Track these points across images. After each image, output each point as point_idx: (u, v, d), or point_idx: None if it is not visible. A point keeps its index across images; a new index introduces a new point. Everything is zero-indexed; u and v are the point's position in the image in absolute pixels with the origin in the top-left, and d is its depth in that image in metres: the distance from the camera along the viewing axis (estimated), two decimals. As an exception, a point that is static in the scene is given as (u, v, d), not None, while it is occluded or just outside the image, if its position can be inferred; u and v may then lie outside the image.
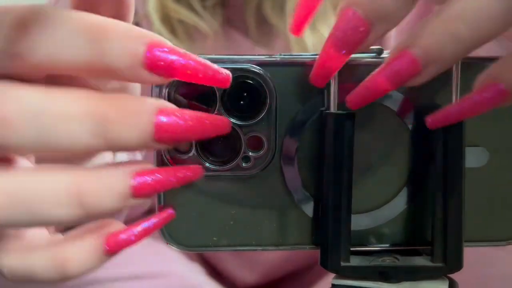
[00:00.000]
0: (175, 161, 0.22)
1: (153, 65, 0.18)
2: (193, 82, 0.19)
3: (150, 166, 0.20)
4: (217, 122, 0.20)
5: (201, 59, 0.19)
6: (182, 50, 0.19)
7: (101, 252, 0.20)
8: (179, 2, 0.52)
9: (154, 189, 0.19)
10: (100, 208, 0.18)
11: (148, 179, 0.19)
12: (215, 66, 0.19)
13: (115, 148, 0.19)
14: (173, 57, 0.18)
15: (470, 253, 0.23)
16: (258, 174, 0.22)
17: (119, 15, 0.22)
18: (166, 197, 0.22)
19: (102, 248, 0.19)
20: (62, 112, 0.18)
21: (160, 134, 0.18)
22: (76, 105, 0.18)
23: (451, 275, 0.22)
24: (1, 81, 0.18)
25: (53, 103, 0.18)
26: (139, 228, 0.20)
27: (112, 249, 0.20)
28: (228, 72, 0.19)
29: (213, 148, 0.22)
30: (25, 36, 0.17)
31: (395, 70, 0.19)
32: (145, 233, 0.20)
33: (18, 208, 0.18)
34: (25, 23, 0.17)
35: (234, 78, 0.21)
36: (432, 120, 0.21)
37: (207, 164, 0.22)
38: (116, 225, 0.20)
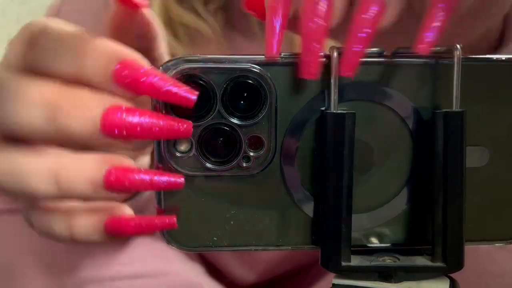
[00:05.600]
0: (175, 161, 0.22)
1: (121, 78, 0.20)
2: (163, 100, 0.20)
3: (131, 162, 0.21)
4: (173, 125, 0.20)
5: (166, 77, 0.20)
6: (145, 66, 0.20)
7: (101, 229, 0.21)
8: (183, 5, 0.52)
9: (126, 187, 0.20)
10: (72, 191, 0.20)
11: (123, 175, 0.20)
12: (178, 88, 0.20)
13: (64, 136, 0.20)
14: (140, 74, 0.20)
15: (470, 253, 0.23)
16: (258, 174, 0.22)
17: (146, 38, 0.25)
18: (166, 197, 0.22)
19: (102, 226, 0.22)
20: (22, 93, 0.20)
21: (107, 128, 0.19)
22: (35, 91, 0.20)
23: (451, 275, 0.22)
24: None
25: (19, 85, 0.20)
26: (137, 221, 0.21)
27: (110, 230, 0.21)
28: (192, 96, 0.20)
29: (213, 148, 0.22)
30: None
31: None
32: (141, 230, 0.21)
33: (9, 180, 0.21)
34: None
35: (234, 78, 0.21)
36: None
37: (207, 164, 0.22)
38: (123, 210, 0.22)
